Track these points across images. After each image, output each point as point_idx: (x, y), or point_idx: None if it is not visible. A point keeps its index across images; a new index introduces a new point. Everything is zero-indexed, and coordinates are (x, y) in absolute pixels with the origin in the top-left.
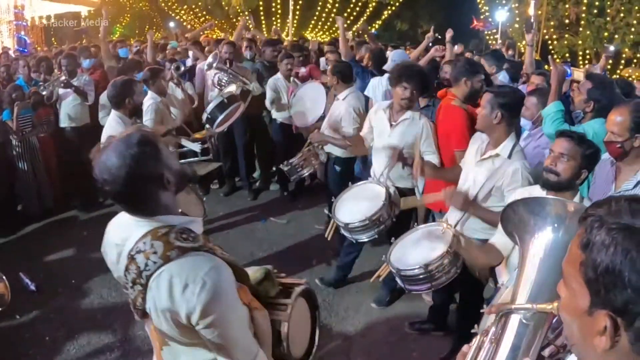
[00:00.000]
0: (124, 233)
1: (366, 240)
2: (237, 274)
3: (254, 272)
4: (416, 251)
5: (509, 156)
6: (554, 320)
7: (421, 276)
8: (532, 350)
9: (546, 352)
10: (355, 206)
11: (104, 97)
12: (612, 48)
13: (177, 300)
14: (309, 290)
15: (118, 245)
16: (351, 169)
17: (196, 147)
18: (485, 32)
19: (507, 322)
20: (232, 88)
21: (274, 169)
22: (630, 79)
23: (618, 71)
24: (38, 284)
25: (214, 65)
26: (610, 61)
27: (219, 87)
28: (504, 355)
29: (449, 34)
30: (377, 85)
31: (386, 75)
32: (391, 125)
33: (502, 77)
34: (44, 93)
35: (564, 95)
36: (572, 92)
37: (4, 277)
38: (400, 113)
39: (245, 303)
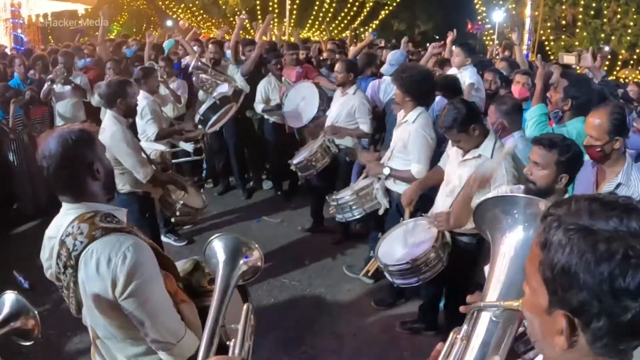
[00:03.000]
0: (57, 224)
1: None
2: (163, 262)
3: (183, 264)
4: (403, 246)
5: (492, 155)
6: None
7: (409, 270)
8: (502, 347)
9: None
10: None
11: None
12: (607, 48)
13: (102, 273)
14: None
15: (51, 238)
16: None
17: (189, 147)
18: (483, 33)
19: (478, 319)
20: (224, 88)
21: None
22: (626, 80)
23: (615, 72)
24: (32, 282)
25: (194, 65)
26: (607, 62)
27: (202, 88)
28: (474, 351)
29: (450, 36)
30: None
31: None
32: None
33: (470, 73)
34: (55, 87)
35: None
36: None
37: (36, 313)
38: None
39: (169, 291)
